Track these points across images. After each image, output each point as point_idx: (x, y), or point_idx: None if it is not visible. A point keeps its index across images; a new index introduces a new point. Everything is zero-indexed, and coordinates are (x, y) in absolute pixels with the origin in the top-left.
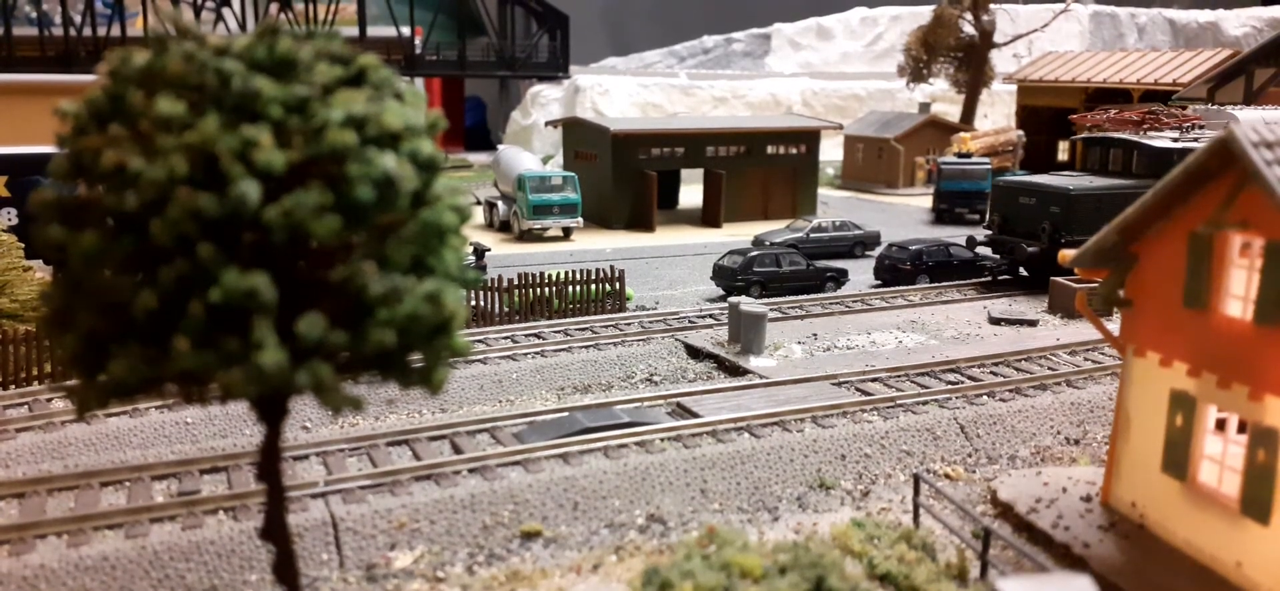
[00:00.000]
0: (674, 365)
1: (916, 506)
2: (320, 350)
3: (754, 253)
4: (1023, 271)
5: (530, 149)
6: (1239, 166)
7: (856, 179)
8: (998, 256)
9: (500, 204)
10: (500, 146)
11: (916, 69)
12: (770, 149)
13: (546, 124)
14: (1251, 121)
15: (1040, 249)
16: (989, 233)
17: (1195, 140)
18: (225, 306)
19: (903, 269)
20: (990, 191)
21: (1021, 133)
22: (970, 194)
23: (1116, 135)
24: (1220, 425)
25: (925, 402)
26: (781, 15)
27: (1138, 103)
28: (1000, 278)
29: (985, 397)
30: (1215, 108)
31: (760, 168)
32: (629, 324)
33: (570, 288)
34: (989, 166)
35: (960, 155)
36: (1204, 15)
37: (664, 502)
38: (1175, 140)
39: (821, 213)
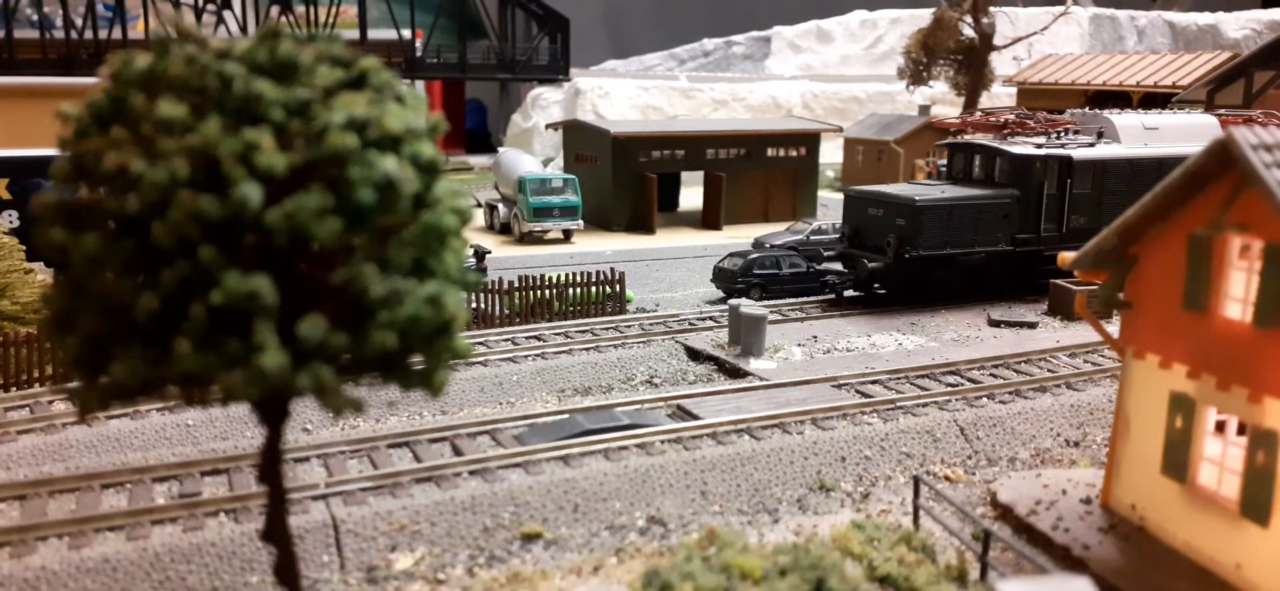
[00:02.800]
0: (674, 367)
1: (916, 508)
2: (321, 352)
3: (754, 255)
4: (877, 287)
5: (531, 151)
6: (1238, 169)
7: (857, 181)
8: (845, 272)
9: (501, 206)
10: (501, 149)
11: (916, 71)
12: (770, 151)
13: (547, 126)
14: (1130, 125)
15: (884, 264)
16: (840, 245)
17: (1061, 146)
18: (227, 309)
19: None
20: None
21: None
22: None
23: (979, 141)
24: (1220, 427)
25: (925, 405)
26: (781, 18)
27: (1137, 104)
28: (845, 295)
29: (985, 400)
30: (1092, 112)
31: (760, 170)
32: (629, 326)
33: (571, 290)
34: None
35: None
36: (1204, 18)
37: (664, 504)
38: (1039, 146)
39: (822, 215)
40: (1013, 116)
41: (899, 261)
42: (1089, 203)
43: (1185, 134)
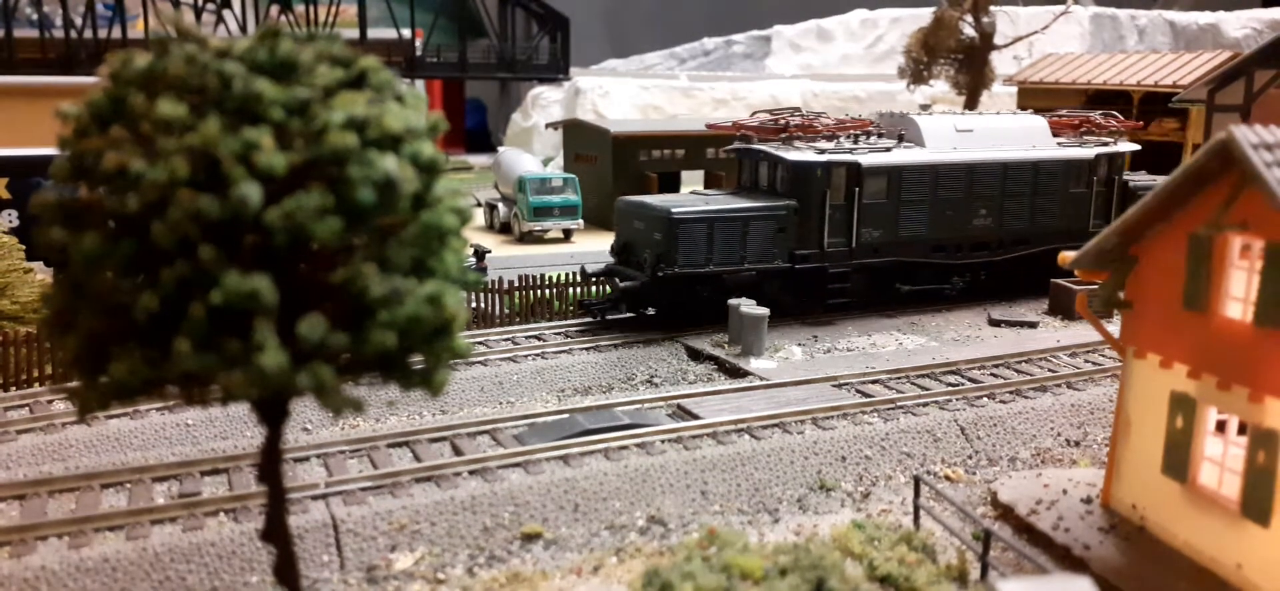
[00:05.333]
0: (674, 367)
1: (917, 508)
2: (321, 352)
3: None
4: (647, 309)
5: (531, 151)
6: (1239, 168)
7: None
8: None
9: (501, 206)
10: (501, 148)
11: (917, 71)
12: None
13: (547, 126)
14: (937, 128)
15: (640, 283)
16: (610, 261)
17: (849, 150)
18: (226, 308)
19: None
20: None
21: None
22: None
23: (760, 147)
24: (1220, 427)
25: (925, 404)
26: (782, 17)
27: (1137, 105)
28: (608, 317)
29: (985, 399)
30: (899, 114)
31: None
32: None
33: (571, 289)
34: None
35: None
36: (1204, 17)
37: (664, 504)
38: (822, 151)
39: None
40: (798, 118)
41: (656, 280)
42: (883, 214)
43: (1005, 137)
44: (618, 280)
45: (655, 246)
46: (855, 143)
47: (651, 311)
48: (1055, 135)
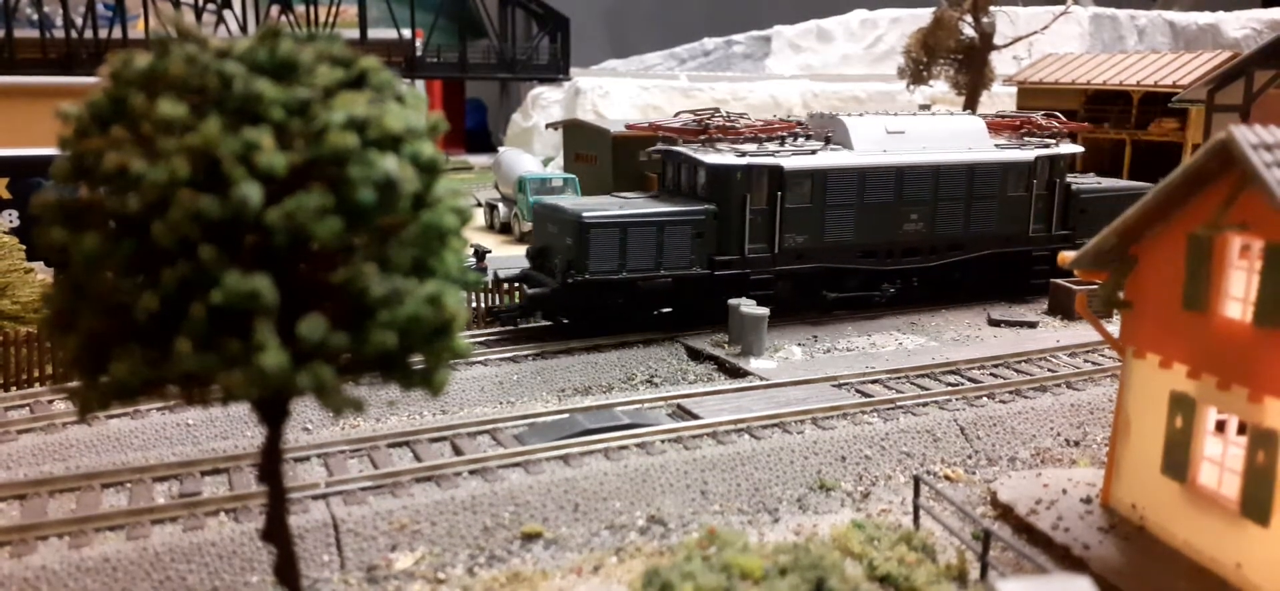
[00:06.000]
0: (674, 367)
1: (916, 508)
2: (321, 352)
3: None
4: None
5: (531, 151)
6: (1239, 168)
7: None
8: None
9: (501, 206)
10: (501, 148)
11: (916, 71)
12: None
13: (547, 126)
14: (866, 130)
15: (549, 291)
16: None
17: (772, 153)
18: (227, 308)
19: None
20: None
21: None
22: None
23: (680, 149)
24: (1220, 427)
25: (925, 404)
26: (782, 17)
27: (1137, 106)
28: (520, 325)
29: (985, 399)
30: (828, 115)
31: None
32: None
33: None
34: None
35: None
36: (1204, 17)
37: (664, 504)
38: (743, 153)
39: None
40: (720, 119)
41: (567, 287)
42: (807, 218)
43: (938, 140)
44: (526, 287)
45: (566, 252)
46: (781, 145)
47: (566, 320)
48: (995, 136)
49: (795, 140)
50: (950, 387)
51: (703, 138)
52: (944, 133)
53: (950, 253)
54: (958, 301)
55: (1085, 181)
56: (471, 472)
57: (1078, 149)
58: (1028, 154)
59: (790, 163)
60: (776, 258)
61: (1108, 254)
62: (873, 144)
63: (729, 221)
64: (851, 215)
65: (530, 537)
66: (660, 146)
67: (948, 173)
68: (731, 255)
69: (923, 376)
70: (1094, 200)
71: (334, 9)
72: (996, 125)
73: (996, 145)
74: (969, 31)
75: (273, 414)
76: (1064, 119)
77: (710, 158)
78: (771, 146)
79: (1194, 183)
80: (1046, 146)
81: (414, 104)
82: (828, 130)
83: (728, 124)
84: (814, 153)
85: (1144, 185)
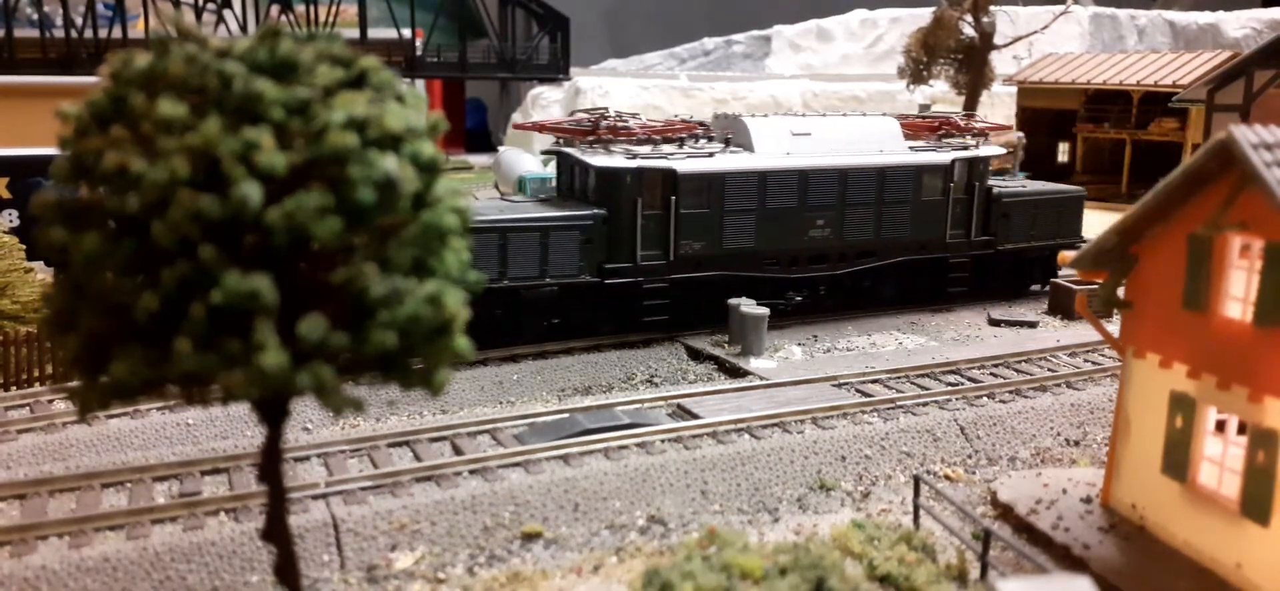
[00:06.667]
0: (674, 367)
1: (917, 508)
2: (321, 352)
3: None
4: None
5: (531, 151)
6: (1239, 168)
7: None
8: None
9: None
10: (501, 148)
11: (916, 71)
12: None
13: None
14: (769, 132)
15: None
16: None
17: (666, 155)
18: (227, 308)
19: None
20: None
21: (1022, 135)
22: None
23: (568, 150)
24: (1220, 427)
25: (925, 404)
26: (782, 17)
27: (1137, 105)
28: None
29: (985, 399)
30: (732, 115)
31: None
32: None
33: None
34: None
35: None
36: (1204, 17)
37: (664, 504)
38: (634, 155)
39: None
40: (610, 119)
41: None
42: (704, 224)
43: (847, 141)
44: None
45: None
46: (680, 147)
47: None
48: (911, 138)
49: (696, 142)
50: (950, 387)
51: (592, 138)
52: (854, 135)
53: (861, 260)
54: (958, 302)
55: (1008, 185)
56: (471, 472)
57: (999, 151)
58: (944, 156)
59: (684, 165)
60: (672, 265)
61: (1108, 253)
62: (775, 146)
63: (620, 227)
64: (753, 221)
65: (530, 537)
66: (552, 147)
67: (856, 176)
68: (623, 263)
69: (923, 376)
70: (1017, 204)
71: (334, 8)
72: (914, 126)
73: (911, 147)
74: (969, 31)
75: (273, 414)
76: (985, 120)
77: (599, 159)
78: (668, 148)
79: (1194, 182)
80: (965, 148)
81: (414, 103)
82: (729, 132)
83: (619, 124)
84: (711, 155)
85: (1073, 189)
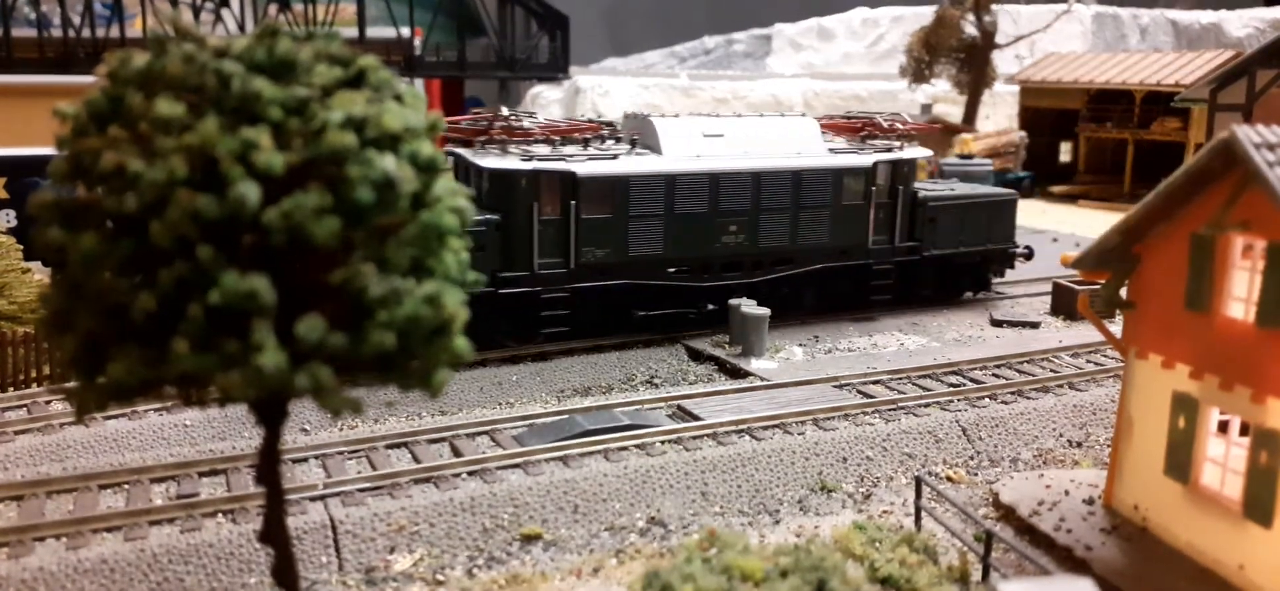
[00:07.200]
0: (674, 367)
1: (918, 509)
2: (320, 352)
3: None
4: None
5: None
6: (1241, 168)
7: None
8: None
9: None
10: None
11: (918, 70)
12: None
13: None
14: (678, 133)
15: None
16: None
17: (565, 158)
18: (225, 309)
19: None
20: None
21: (1024, 134)
22: None
23: (461, 152)
24: (1223, 427)
25: (927, 405)
26: (783, 16)
27: (1139, 105)
28: None
29: (987, 400)
30: (640, 116)
31: None
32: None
33: None
34: (990, 168)
35: (962, 157)
36: (1206, 16)
37: (664, 505)
38: (530, 157)
39: None
40: (504, 119)
41: None
42: (608, 230)
43: (761, 143)
44: None
45: None
46: (584, 148)
47: None
48: (832, 139)
49: (601, 143)
50: (952, 388)
51: (484, 139)
52: (769, 136)
53: (777, 267)
54: (958, 302)
55: (936, 188)
56: (470, 474)
57: (925, 153)
58: (865, 159)
59: (584, 168)
60: (573, 274)
61: (1110, 254)
62: (684, 148)
63: (514, 233)
64: (660, 227)
65: (529, 539)
66: (447, 149)
67: (771, 180)
68: (520, 271)
69: (924, 377)
70: (944, 209)
71: (332, 7)
72: (836, 127)
73: (831, 149)
74: (971, 30)
75: (271, 415)
76: (909, 121)
77: (490, 161)
78: (569, 150)
79: (1196, 182)
80: (888, 150)
81: (413, 103)
82: (636, 132)
83: (514, 123)
84: (615, 158)
85: (1003, 192)
